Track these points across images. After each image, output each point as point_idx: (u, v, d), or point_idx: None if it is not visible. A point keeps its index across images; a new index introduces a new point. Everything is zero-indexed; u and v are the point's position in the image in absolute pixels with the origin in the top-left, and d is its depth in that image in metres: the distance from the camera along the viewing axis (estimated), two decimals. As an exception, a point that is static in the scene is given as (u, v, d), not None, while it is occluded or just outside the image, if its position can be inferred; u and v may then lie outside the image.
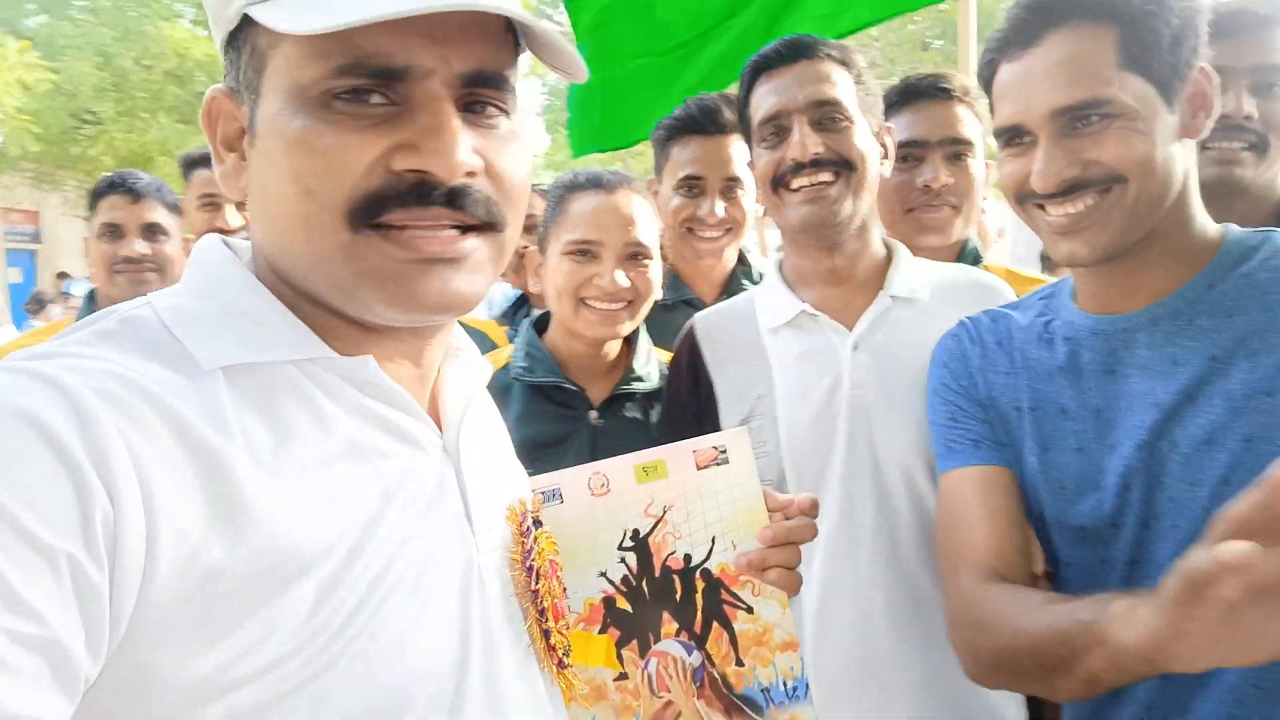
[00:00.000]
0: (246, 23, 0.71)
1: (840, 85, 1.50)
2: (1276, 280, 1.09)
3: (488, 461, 0.91)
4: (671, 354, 1.71)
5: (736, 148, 2.05)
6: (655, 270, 1.67)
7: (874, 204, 1.56)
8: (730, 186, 2.07)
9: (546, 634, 0.89)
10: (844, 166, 1.48)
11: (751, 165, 1.63)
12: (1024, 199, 1.16)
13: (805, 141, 1.46)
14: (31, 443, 0.57)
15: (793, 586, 1.07)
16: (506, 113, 0.77)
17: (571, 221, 1.63)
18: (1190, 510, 1.07)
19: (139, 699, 0.60)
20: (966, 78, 1.89)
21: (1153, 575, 1.09)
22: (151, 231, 2.46)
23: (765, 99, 1.52)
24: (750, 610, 1.10)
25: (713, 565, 1.09)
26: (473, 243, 0.74)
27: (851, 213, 1.49)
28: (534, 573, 0.89)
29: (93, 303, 2.56)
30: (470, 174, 0.72)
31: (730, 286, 2.15)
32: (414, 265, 0.72)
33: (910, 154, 1.84)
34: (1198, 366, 1.09)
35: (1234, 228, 1.18)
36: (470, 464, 0.85)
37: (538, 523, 0.94)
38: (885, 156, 1.56)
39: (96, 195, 2.50)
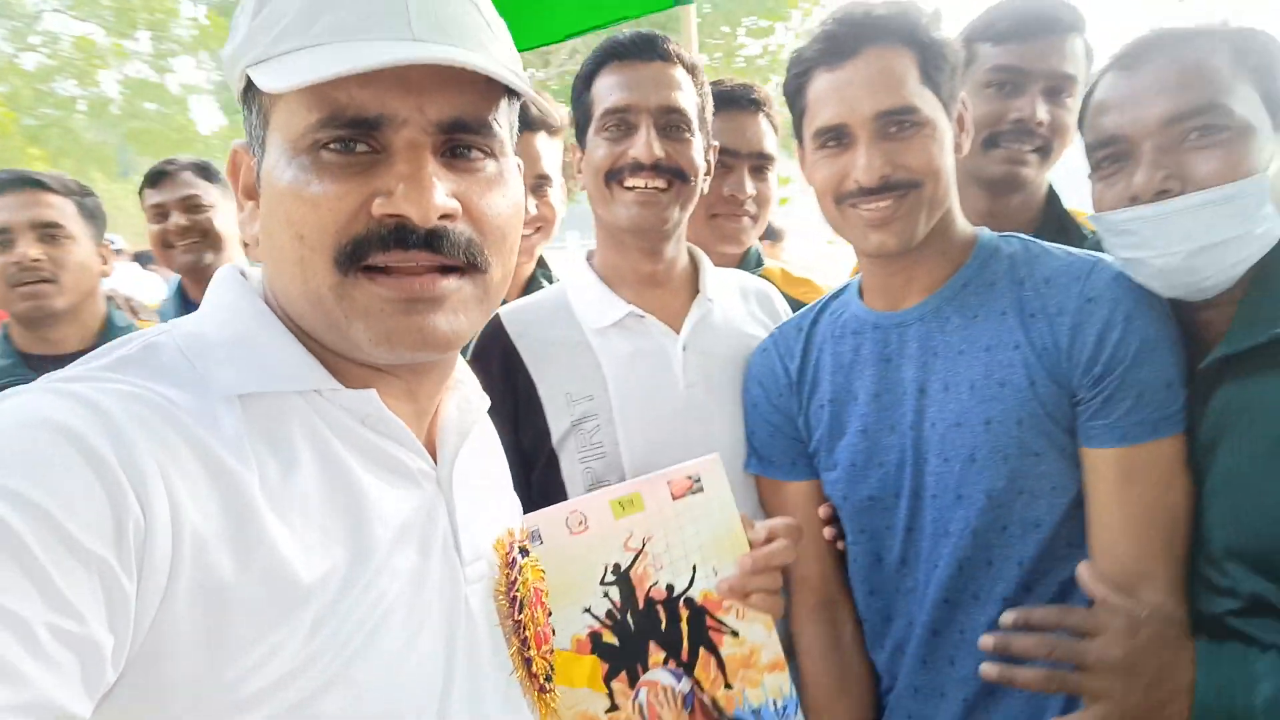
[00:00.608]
0: (252, 83, 0.75)
1: (688, 95, 1.53)
2: (1006, 281, 1.28)
3: (480, 493, 0.93)
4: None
5: (543, 145, 2.06)
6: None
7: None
8: (540, 185, 2.08)
9: (528, 661, 0.91)
10: (679, 177, 1.50)
11: (573, 152, 1.64)
12: (842, 198, 1.28)
13: (652, 144, 1.47)
14: (70, 455, 0.59)
15: (776, 609, 1.08)
16: (493, 154, 0.80)
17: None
18: (946, 482, 1.26)
19: (148, 713, 0.61)
20: (768, 89, 1.93)
21: (924, 537, 1.30)
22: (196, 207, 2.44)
23: (614, 90, 1.51)
24: (736, 634, 1.10)
25: (695, 593, 1.10)
26: (453, 283, 0.77)
27: (677, 221, 1.54)
28: (517, 602, 0.91)
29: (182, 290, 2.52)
30: (448, 217, 0.75)
31: (529, 287, 2.14)
32: (397, 304, 0.74)
33: (719, 161, 1.81)
34: (950, 359, 1.28)
35: (986, 231, 1.36)
36: (462, 496, 0.87)
37: (524, 552, 0.96)
38: (708, 173, 1.60)
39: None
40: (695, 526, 1.11)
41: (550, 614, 0.98)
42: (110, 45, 13.80)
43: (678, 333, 1.55)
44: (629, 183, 1.49)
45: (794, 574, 1.43)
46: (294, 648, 0.67)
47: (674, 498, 1.11)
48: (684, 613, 1.10)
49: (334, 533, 0.73)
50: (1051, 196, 1.78)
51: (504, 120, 0.81)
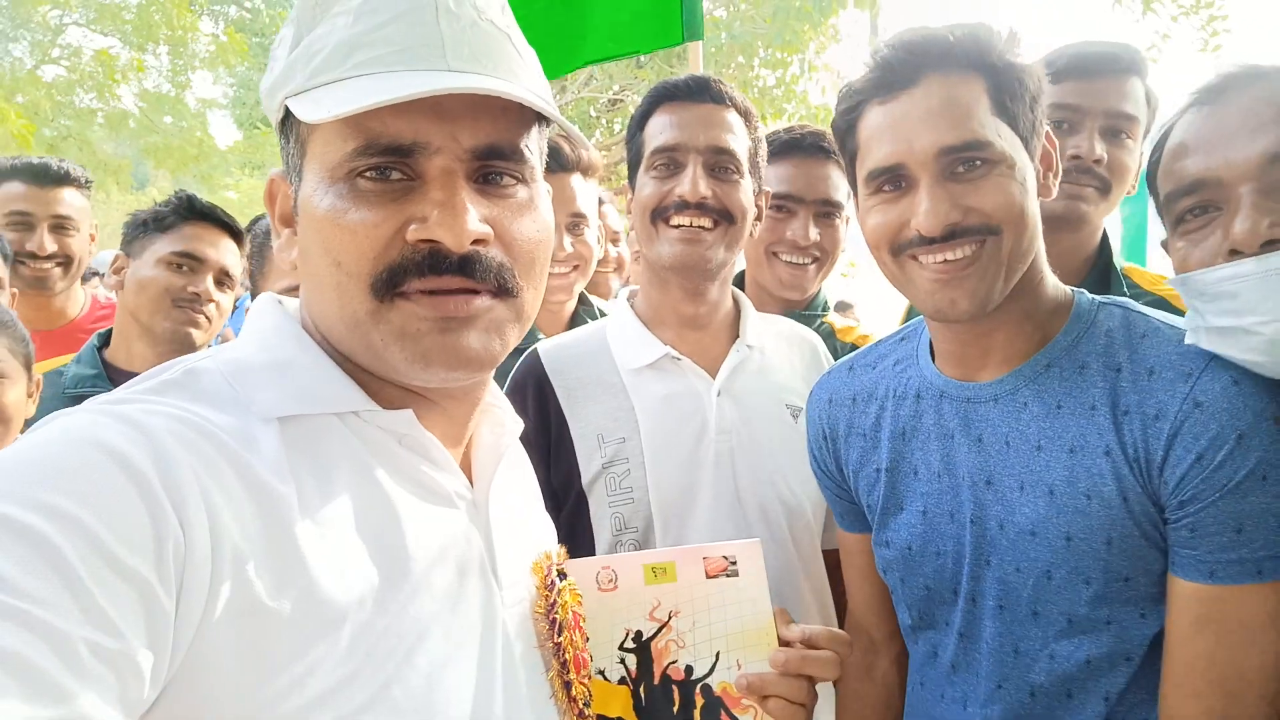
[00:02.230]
0: (290, 113, 0.77)
1: (739, 138, 1.55)
2: (1099, 366, 1.08)
3: (516, 516, 0.95)
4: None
5: (578, 184, 2.10)
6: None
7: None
8: (575, 223, 2.11)
9: (568, 685, 0.92)
10: (725, 218, 1.52)
11: (625, 193, 1.66)
12: (900, 249, 1.11)
13: (698, 183, 1.49)
14: (114, 474, 0.61)
15: None
16: (524, 180, 0.82)
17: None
18: (1018, 594, 1.09)
19: None
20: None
21: (983, 650, 1.13)
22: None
23: (665, 129, 1.54)
24: None
25: (714, 681, 1.05)
26: (486, 302, 0.79)
27: (721, 262, 1.54)
28: (556, 625, 0.91)
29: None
30: (481, 241, 0.77)
31: (572, 324, 2.18)
32: (432, 324, 0.77)
33: (785, 205, 1.87)
34: (1025, 455, 1.10)
35: (1084, 296, 1.17)
36: (498, 519, 0.89)
37: (562, 575, 0.97)
38: (758, 218, 1.61)
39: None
40: (724, 612, 1.06)
41: (588, 639, 0.98)
42: (130, 59, 13.91)
43: (713, 377, 1.54)
44: (674, 220, 1.50)
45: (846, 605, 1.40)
46: (331, 666, 0.68)
47: (707, 576, 1.05)
48: (699, 700, 1.05)
49: (371, 553, 0.74)
50: (1104, 244, 1.77)
51: (535, 147, 0.83)
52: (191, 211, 2.16)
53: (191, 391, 0.74)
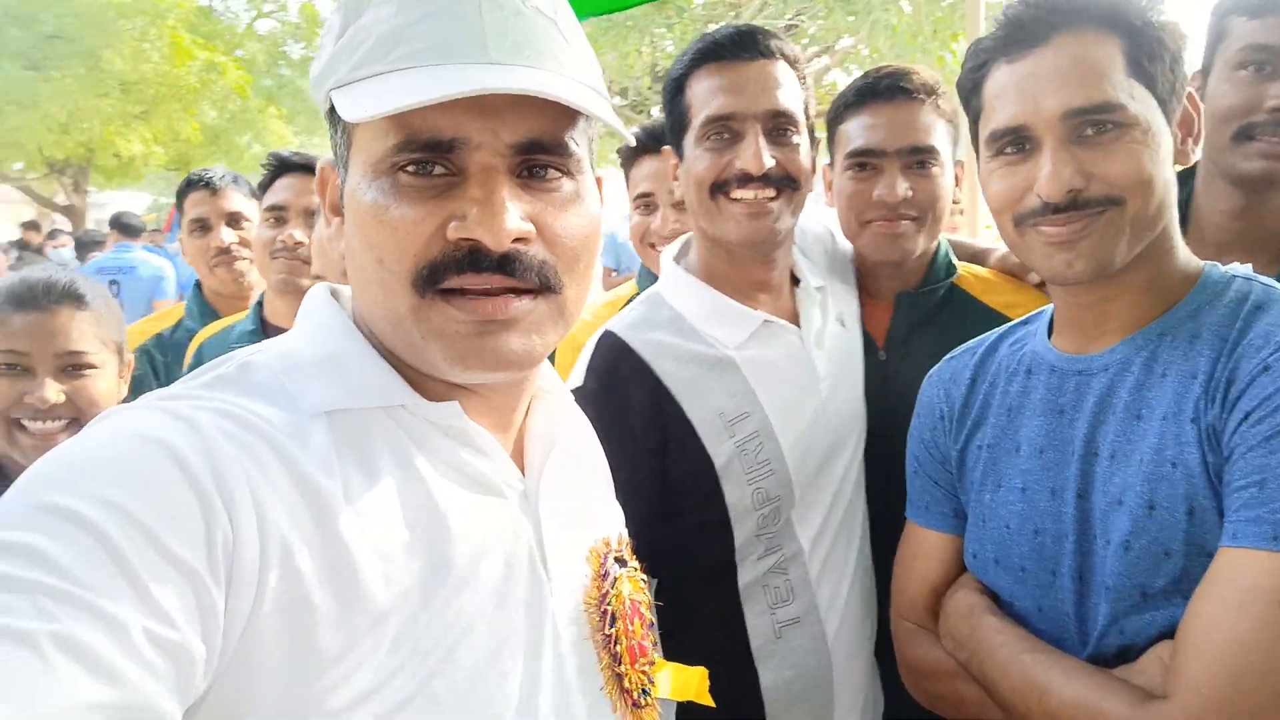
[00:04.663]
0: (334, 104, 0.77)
1: (793, 94, 1.43)
2: (1211, 337, 1.02)
3: (572, 505, 0.93)
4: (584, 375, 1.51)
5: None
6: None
7: None
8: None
9: (620, 677, 0.90)
10: (789, 184, 1.42)
11: (668, 158, 1.56)
12: (1022, 219, 1.07)
13: (761, 154, 1.38)
14: (166, 468, 0.63)
15: None
16: (569, 173, 0.79)
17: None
18: (1105, 569, 1.04)
19: None
20: (930, 73, 1.63)
21: (1096, 634, 1.06)
22: (235, 221, 2.59)
23: (716, 94, 1.41)
24: None
25: None
26: (527, 304, 0.77)
27: (789, 228, 1.46)
28: (608, 616, 0.90)
29: (200, 293, 2.72)
30: (521, 240, 0.75)
31: None
32: (473, 326, 0.75)
33: (867, 162, 1.60)
34: (1125, 423, 1.05)
35: (1216, 269, 1.09)
36: (550, 509, 0.88)
37: (621, 561, 0.95)
38: (813, 172, 1.50)
39: (180, 194, 2.68)
40: None
41: (651, 625, 0.97)
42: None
43: (796, 325, 1.51)
44: (736, 194, 1.41)
45: (898, 609, 1.33)
46: (377, 661, 0.69)
47: None
48: None
49: (416, 547, 0.75)
50: None
51: (581, 139, 0.80)
52: (282, 167, 2.21)
53: (243, 386, 0.74)
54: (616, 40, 11.04)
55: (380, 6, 0.75)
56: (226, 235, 2.56)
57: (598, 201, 0.84)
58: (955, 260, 1.71)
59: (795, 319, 1.54)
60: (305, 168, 2.21)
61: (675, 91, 1.50)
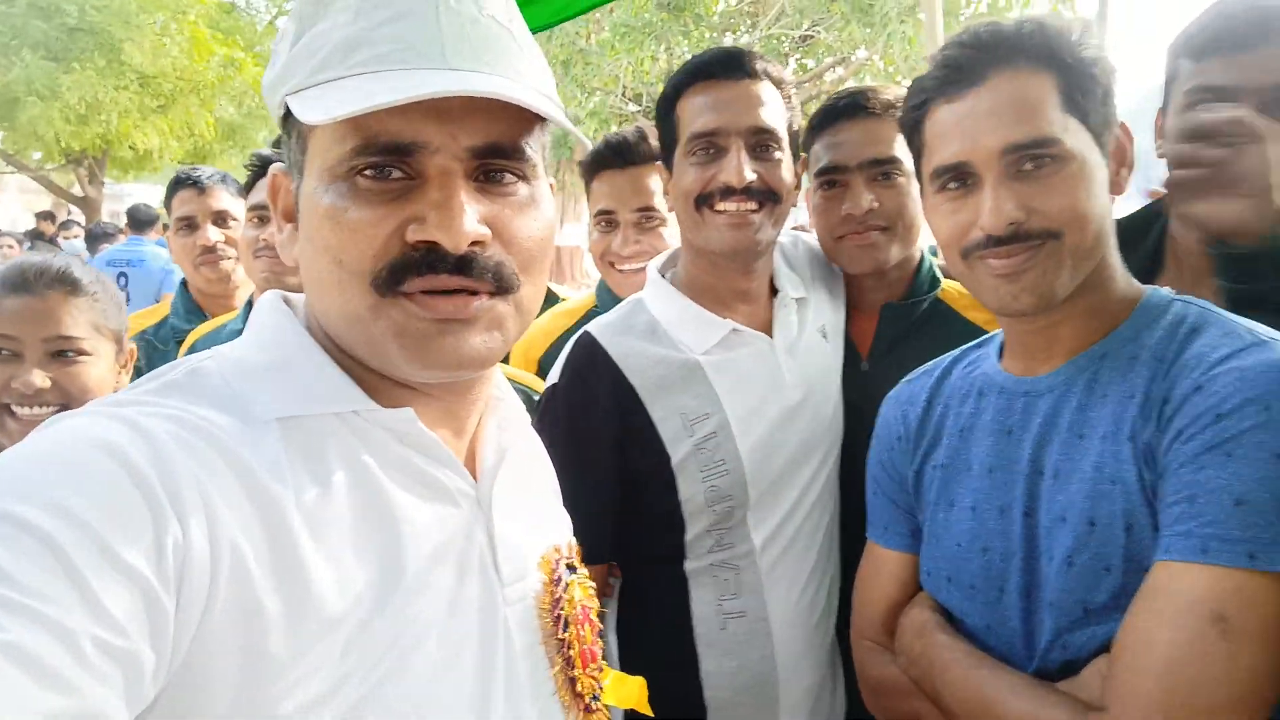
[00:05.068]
0: (291, 109, 0.78)
1: (776, 112, 1.51)
2: (1149, 358, 1.06)
3: (523, 511, 0.94)
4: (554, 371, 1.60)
5: (654, 178, 2.05)
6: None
7: None
8: (648, 218, 2.08)
9: (572, 680, 0.91)
10: (770, 198, 1.49)
11: (661, 173, 1.63)
12: (968, 251, 1.11)
13: (742, 168, 1.45)
14: (116, 474, 0.63)
15: None
16: (525, 178, 0.81)
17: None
18: (1050, 585, 1.07)
19: None
20: (892, 91, 1.67)
21: (1041, 649, 1.08)
22: (221, 220, 2.59)
23: (702, 111, 1.50)
24: None
25: None
26: (485, 303, 0.78)
27: (770, 240, 1.53)
28: (561, 620, 0.91)
29: (186, 291, 2.73)
30: (479, 243, 0.76)
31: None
32: (432, 325, 0.76)
33: (834, 179, 1.66)
34: (1068, 443, 1.10)
35: (1159, 292, 1.14)
36: (502, 515, 0.88)
37: (572, 568, 0.96)
38: (796, 187, 1.58)
39: (168, 193, 2.68)
40: None
41: (600, 631, 0.98)
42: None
43: (769, 334, 1.58)
44: (720, 206, 1.48)
45: (858, 627, 1.34)
46: (329, 666, 0.69)
47: None
48: None
49: (368, 553, 0.75)
50: None
51: (537, 144, 0.81)
52: (266, 166, 2.18)
53: (193, 393, 0.74)
54: (632, 46, 11.07)
55: (338, 13, 0.75)
56: (212, 234, 2.56)
57: (552, 205, 0.86)
58: (939, 274, 1.74)
59: (770, 328, 1.60)
60: None
61: (666, 110, 1.58)
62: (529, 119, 0.79)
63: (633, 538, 1.54)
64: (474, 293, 0.77)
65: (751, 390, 1.54)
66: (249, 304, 2.29)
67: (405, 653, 0.74)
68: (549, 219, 0.84)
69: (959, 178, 1.11)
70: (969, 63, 1.09)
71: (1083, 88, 1.07)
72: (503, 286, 0.79)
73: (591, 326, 1.63)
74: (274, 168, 0.88)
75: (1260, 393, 0.93)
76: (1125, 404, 1.05)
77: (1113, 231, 1.12)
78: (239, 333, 2.16)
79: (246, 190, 2.27)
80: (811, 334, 1.64)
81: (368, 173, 0.75)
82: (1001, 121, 1.05)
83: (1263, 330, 1.02)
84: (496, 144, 0.77)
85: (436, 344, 0.77)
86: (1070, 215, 1.05)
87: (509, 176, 0.79)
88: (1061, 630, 1.05)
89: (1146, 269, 1.46)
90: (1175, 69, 1.50)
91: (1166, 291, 1.14)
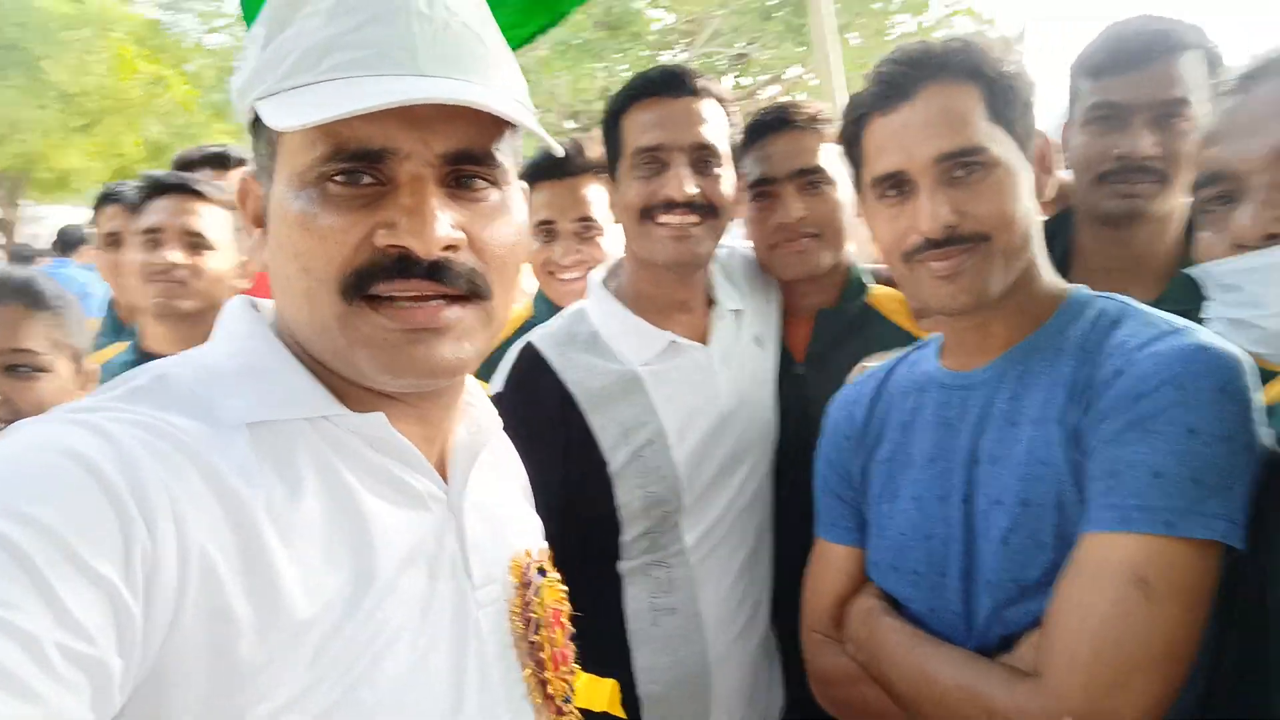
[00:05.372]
0: (259, 115, 0.78)
1: (718, 129, 1.56)
2: (1074, 348, 1.13)
3: (494, 515, 0.95)
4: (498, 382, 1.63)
5: (591, 187, 2.11)
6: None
7: None
8: (586, 229, 2.13)
9: (544, 683, 0.92)
10: (711, 212, 1.55)
11: (607, 185, 1.68)
12: (909, 254, 1.17)
13: (685, 183, 1.51)
14: (81, 480, 0.62)
15: None
16: (496, 183, 0.81)
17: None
18: (987, 566, 1.14)
19: None
20: (814, 105, 1.77)
21: (980, 627, 1.15)
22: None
23: (647, 128, 1.55)
24: None
25: None
26: (456, 312, 0.78)
27: (709, 252, 1.59)
28: (532, 623, 0.92)
29: (113, 309, 2.65)
30: (451, 248, 0.76)
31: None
32: (401, 334, 0.76)
33: (765, 191, 1.73)
34: (1001, 430, 1.16)
35: (1081, 290, 1.22)
36: (473, 519, 0.89)
37: (542, 572, 0.97)
38: (736, 201, 1.63)
39: (96, 208, 2.60)
40: None
41: (572, 634, 0.99)
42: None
43: (705, 343, 1.63)
44: (662, 219, 1.53)
45: (807, 620, 1.39)
46: (298, 672, 0.69)
47: None
48: None
49: (339, 557, 0.75)
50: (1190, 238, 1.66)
51: (508, 149, 0.81)
52: (157, 188, 2.09)
53: (159, 398, 0.73)
54: (571, 64, 11.13)
55: (308, 19, 0.75)
56: (173, 255, 2.49)
57: (524, 211, 0.86)
58: (866, 280, 1.82)
59: (707, 338, 1.66)
60: (182, 189, 2.10)
61: (611, 124, 1.62)
62: (501, 125, 0.79)
63: (569, 539, 1.56)
64: (446, 299, 0.77)
65: (687, 400, 1.60)
66: (133, 331, 2.19)
67: (377, 657, 0.74)
68: (521, 225, 0.85)
69: (896, 185, 1.17)
70: (902, 78, 1.16)
71: (1006, 99, 1.15)
72: (475, 292, 0.79)
73: (533, 336, 1.66)
74: (243, 172, 0.89)
75: (1175, 374, 1.00)
76: (1054, 391, 1.12)
77: (1039, 233, 1.19)
78: (127, 364, 2.11)
79: (132, 212, 2.18)
80: (747, 343, 1.70)
81: (338, 179, 0.75)
82: (934, 132, 1.13)
83: (1177, 320, 1.09)
84: (468, 150, 0.77)
85: (406, 353, 0.76)
86: (999, 218, 1.12)
87: (480, 182, 0.80)
88: (999, 608, 1.11)
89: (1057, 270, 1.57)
90: (1076, 87, 1.65)
91: (1087, 289, 1.22)
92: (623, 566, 1.59)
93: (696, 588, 1.60)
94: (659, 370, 1.60)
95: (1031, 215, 1.17)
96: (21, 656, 0.54)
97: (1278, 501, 0.99)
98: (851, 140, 1.25)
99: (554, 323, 1.69)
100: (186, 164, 2.73)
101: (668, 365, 1.61)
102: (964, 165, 1.12)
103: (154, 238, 2.08)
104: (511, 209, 0.83)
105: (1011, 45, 1.18)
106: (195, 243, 2.09)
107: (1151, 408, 1.00)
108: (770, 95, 12.65)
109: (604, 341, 1.62)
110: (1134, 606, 0.95)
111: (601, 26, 11.26)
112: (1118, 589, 0.97)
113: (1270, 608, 0.98)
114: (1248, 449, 0.99)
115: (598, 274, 1.74)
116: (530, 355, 1.62)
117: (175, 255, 2.06)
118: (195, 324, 2.10)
